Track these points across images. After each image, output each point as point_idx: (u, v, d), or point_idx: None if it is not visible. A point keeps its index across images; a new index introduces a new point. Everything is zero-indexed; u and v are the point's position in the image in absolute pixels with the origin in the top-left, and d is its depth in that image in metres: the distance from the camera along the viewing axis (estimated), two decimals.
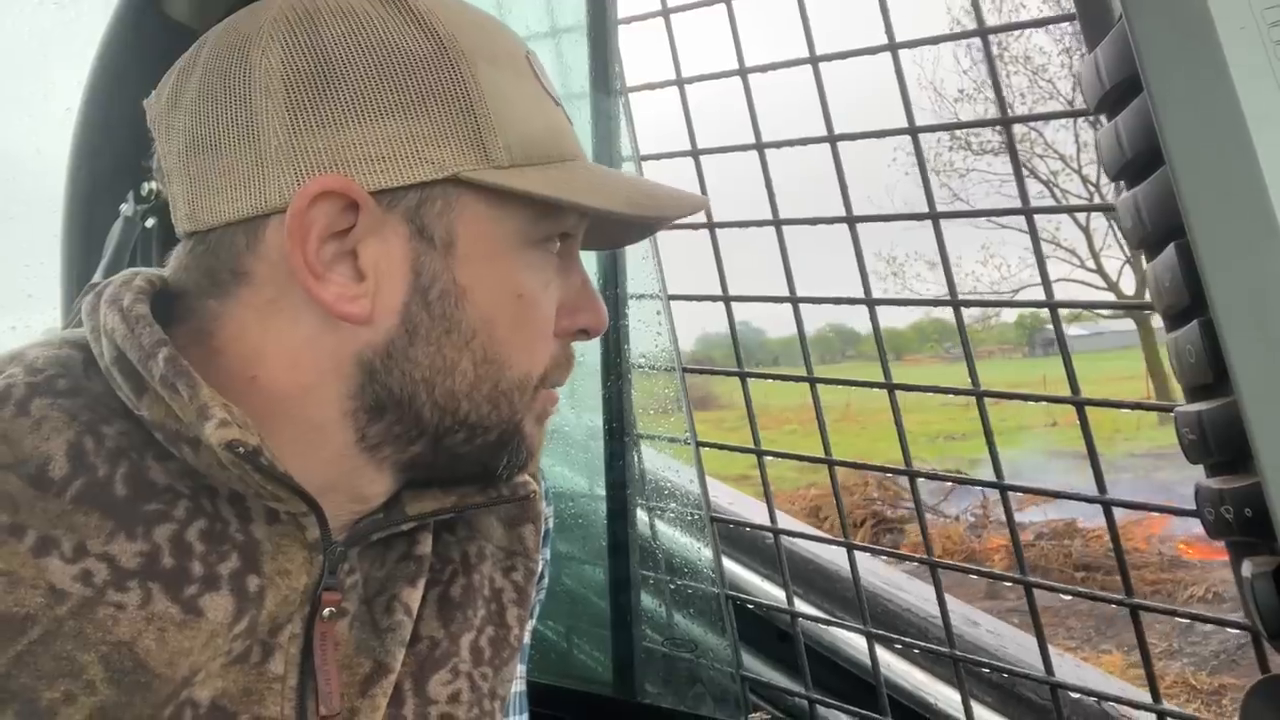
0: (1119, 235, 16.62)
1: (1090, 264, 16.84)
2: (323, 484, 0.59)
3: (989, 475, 1.05)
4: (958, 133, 15.45)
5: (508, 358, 0.60)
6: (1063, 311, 0.99)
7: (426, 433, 0.60)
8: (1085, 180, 16.46)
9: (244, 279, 0.58)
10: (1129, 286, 17.00)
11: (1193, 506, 0.86)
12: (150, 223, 1.18)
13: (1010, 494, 1.04)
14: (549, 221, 0.61)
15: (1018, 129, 1.03)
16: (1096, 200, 16.15)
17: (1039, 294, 0.99)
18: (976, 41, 1.04)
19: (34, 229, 1.27)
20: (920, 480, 1.13)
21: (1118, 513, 0.95)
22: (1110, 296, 16.61)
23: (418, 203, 0.56)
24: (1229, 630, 6.08)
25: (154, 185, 1.19)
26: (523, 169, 0.58)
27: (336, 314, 0.56)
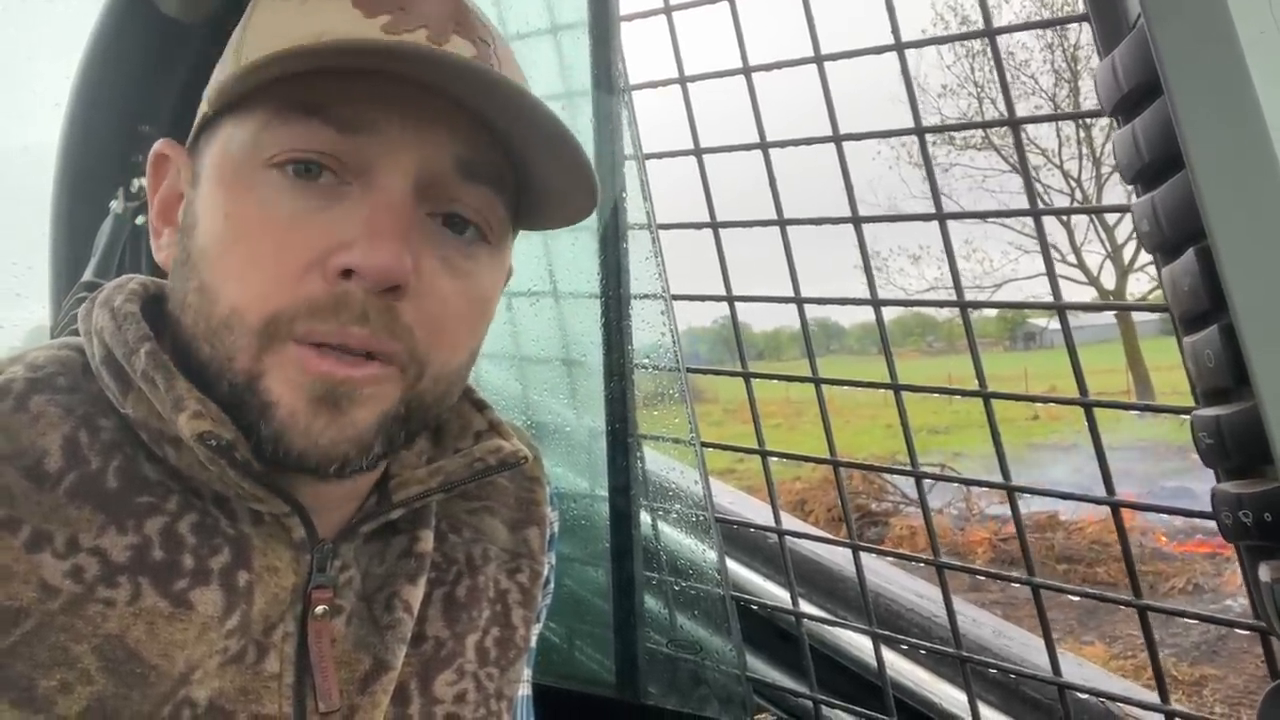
0: (1100, 231, 16.81)
1: (1072, 258, 17.00)
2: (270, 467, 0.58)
3: (972, 469, 1.05)
4: None
5: (216, 288, 0.53)
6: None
7: (195, 383, 0.55)
8: (1066, 175, 16.61)
9: None
10: (1109, 280, 17.18)
11: (1199, 507, 0.87)
12: (140, 220, 1.17)
13: (1009, 494, 1.05)
14: (277, 134, 0.54)
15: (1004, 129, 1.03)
16: (1078, 194, 16.31)
17: (1029, 286, 0.99)
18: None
19: (22, 226, 1.25)
20: (913, 478, 1.12)
21: (1093, 506, 0.95)
22: (1092, 291, 16.75)
23: (202, 150, 0.59)
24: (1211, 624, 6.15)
25: (143, 182, 1.17)
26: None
27: (159, 263, 0.61)
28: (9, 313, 1.28)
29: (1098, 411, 0.95)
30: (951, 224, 1.04)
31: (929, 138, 1.05)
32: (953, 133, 16.27)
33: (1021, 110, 3.30)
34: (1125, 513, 0.96)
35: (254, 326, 0.52)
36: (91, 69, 1.17)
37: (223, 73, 0.59)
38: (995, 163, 16.85)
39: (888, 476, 8.98)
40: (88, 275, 1.15)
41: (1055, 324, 1.02)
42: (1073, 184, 16.59)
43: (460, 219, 0.58)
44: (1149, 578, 7.08)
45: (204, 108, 0.58)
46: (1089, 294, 17.02)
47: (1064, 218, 16.56)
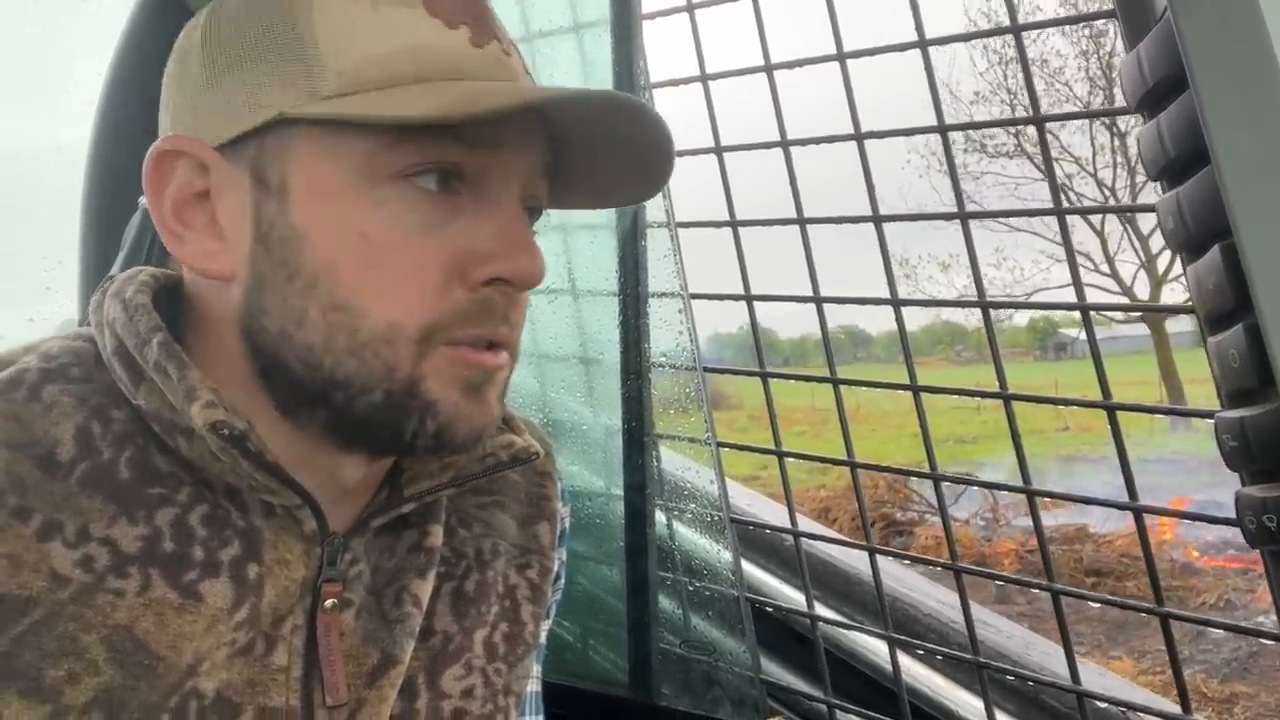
0: (1133, 239, 16.54)
1: (1104, 268, 16.75)
2: (290, 461, 0.58)
3: (999, 480, 1.03)
4: (972, 135, 15.33)
5: (361, 305, 0.55)
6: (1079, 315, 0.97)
7: (312, 394, 0.56)
8: (1100, 184, 16.36)
9: None
10: (1143, 291, 16.90)
11: (1226, 514, 0.85)
12: None
13: (1029, 498, 1.03)
14: (403, 151, 0.55)
15: (1034, 132, 1.01)
16: (1111, 202, 16.07)
17: (1060, 296, 0.98)
18: (993, 43, 1.02)
19: (56, 223, 1.27)
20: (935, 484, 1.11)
21: (1123, 519, 0.93)
22: (1125, 300, 16.49)
23: (257, 150, 0.57)
24: (1243, 638, 6.03)
25: None
26: (352, 96, 0.54)
27: (198, 271, 0.58)
28: (40, 306, 1.30)
29: (1132, 424, 0.94)
30: (983, 232, 1.03)
31: (960, 144, 1.05)
32: (982, 137, 16.01)
33: None
34: (1161, 526, 0.94)
35: (414, 337, 0.55)
36: (122, 67, 1.18)
37: (303, 78, 0.55)
38: (1028, 170, 16.60)
39: (914, 485, 8.88)
40: (115, 269, 1.17)
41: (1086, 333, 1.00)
42: (1106, 192, 16.34)
43: (533, 212, 0.63)
44: (1179, 592, 6.95)
45: (279, 107, 0.55)
46: (1125, 301, 16.72)
47: (1097, 226, 16.33)
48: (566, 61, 1.24)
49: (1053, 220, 1.02)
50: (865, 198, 1.10)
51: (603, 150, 0.63)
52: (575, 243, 1.27)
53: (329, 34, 0.56)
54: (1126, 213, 15.18)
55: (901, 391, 1.10)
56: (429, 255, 0.55)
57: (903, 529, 8.78)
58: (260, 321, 0.57)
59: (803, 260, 1.16)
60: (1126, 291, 16.76)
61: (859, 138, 1.07)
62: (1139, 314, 15.89)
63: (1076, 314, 0.97)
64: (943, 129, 1.02)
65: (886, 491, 8.89)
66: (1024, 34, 0.98)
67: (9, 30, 1.34)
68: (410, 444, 0.57)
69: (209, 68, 0.58)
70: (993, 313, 1.03)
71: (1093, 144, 16.13)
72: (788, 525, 1.20)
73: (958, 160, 1.08)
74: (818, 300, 1.13)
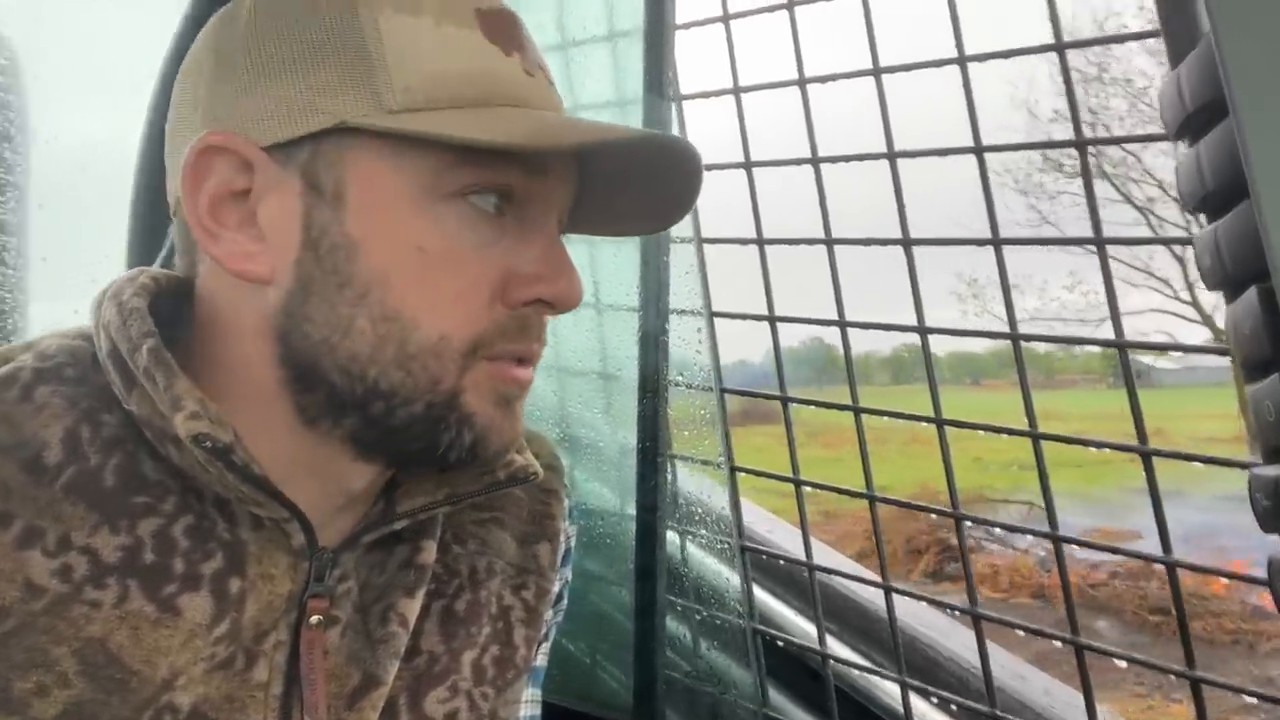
0: None
1: (1184, 295, 16.15)
2: (292, 467, 0.57)
3: (1063, 509, 0.98)
4: (1049, 155, 14.93)
5: (412, 317, 0.55)
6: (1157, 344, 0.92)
7: (348, 403, 0.56)
8: (1183, 209, 15.77)
9: (199, 249, 0.60)
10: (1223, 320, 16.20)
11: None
12: None
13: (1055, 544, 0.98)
14: (465, 171, 0.55)
15: (1115, 153, 0.97)
16: (1193, 228, 15.45)
17: (1137, 322, 0.92)
18: (1072, 61, 0.96)
19: (113, 219, 1.29)
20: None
21: (1192, 556, 0.88)
22: (1206, 331, 15.88)
23: (310, 155, 0.55)
24: None
25: None
26: (421, 113, 0.54)
27: (234, 272, 0.56)
28: (84, 300, 1.32)
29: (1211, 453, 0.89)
30: (1059, 254, 0.99)
31: (1038, 164, 1.00)
32: (1060, 156, 15.61)
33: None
34: (1234, 565, 0.89)
35: (461, 350, 0.56)
36: (171, 66, 1.20)
37: (368, 89, 0.54)
38: (1107, 191, 16.08)
39: (976, 508, 8.64)
40: (155, 266, 1.18)
41: (1166, 363, 0.94)
42: (1188, 218, 15.77)
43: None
44: (1249, 637, 6.64)
45: (340, 115, 0.54)
46: (1203, 334, 16.11)
47: (1179, 252, 15.74)
48: (599, 70, 1.23)
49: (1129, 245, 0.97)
50: (918, 217, 1.06)
51: (635, 185, 0.64)
52: (600, 255, 1.25)
53: (394, 47, 0.55)
54: (1162, 245, 14.63)
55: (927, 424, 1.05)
56: (480, 272, 0.56)
57: (957, 556, 8.55)
58: (302, 328, 0.56)
59: (845, 274, 1.12)
60: (1206, 320, 16.12)
61: (891, 156, 1.03)
62: (1221, 344, 15.29)
63: (1155, 341, 0.91)
64: (979, 150, 0.97)
65: (941, 516, 8.66)
66: (1107, 55, 0.93)
67: (79, 29, 1.38)
68: (444, 455, 0.58)
69: (256, 67, 0.56)
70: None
71: (1176, 170, 15.55)
72: (819, 552, 1.16)
73: (1035, 179, 1.03)
74: (841, 324, 1.08)
